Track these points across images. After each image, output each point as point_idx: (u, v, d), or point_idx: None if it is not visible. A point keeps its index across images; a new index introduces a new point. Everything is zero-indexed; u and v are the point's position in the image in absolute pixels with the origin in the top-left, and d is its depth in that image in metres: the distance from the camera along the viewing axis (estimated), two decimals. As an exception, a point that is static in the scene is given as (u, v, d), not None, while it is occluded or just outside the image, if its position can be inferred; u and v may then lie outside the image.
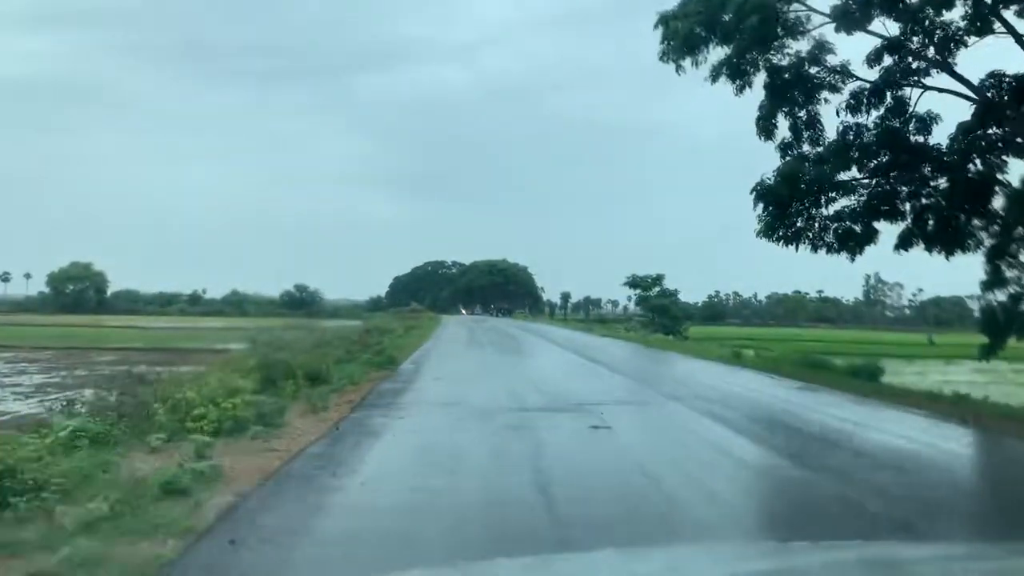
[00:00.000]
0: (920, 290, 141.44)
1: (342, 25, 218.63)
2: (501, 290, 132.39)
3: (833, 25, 15.66)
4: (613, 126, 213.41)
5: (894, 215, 16.33)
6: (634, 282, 54.82)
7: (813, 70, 16.40)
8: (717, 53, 16.16)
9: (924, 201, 16.32)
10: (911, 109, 16.15)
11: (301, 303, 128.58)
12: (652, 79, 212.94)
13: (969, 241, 15.81)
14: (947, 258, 15.95)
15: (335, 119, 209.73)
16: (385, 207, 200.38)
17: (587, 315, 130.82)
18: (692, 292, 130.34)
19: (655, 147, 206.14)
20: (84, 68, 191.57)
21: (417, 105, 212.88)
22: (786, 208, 16.31)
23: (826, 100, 16.58)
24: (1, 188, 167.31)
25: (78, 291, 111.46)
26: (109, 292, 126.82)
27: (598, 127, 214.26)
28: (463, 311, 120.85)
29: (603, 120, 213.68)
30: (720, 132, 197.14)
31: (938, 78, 15.90)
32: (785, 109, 16.72)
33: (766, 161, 16.74)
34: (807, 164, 16.59)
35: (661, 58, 16.47)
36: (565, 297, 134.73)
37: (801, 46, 16.23)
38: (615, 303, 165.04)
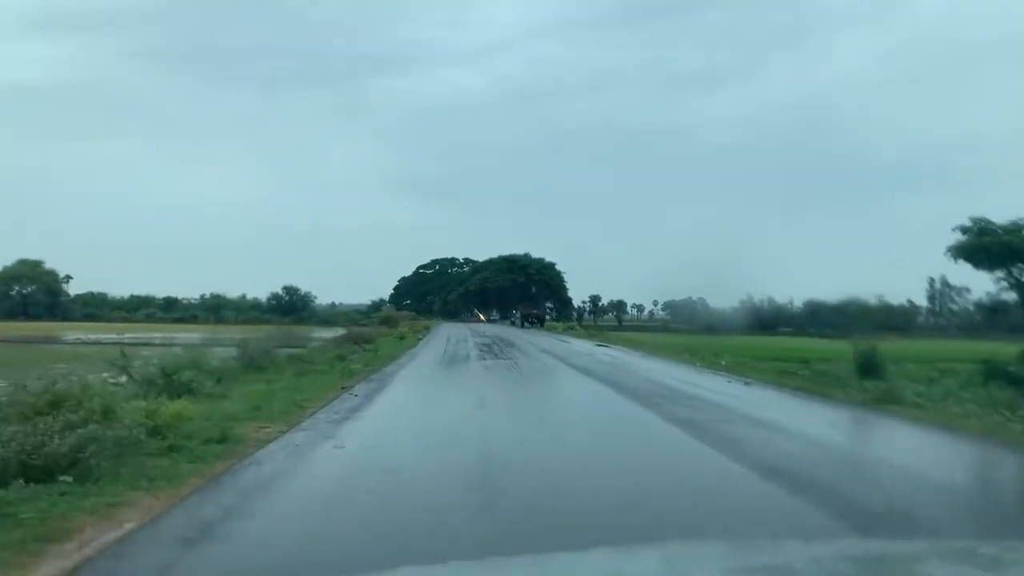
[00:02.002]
0: (988, 294, 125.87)
1: (354, 28, 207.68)
2: (522, 291, 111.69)
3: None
4: (630, 130, 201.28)
5: None
6: (979, 244, 19.73)
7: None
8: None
9: None
10: None
11: (290, 307, 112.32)
12: (668, 82, 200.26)
13: None
14: None
15: (346, 123, 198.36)
16: (397, 212, 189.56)
17: (620, 322, 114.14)
18: (717, 296, 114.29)
19: (672, 151, 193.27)
20: (92, 73, 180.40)
21: (431, 109, 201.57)
22: None
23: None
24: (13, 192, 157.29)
25: (25, 293, 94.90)
26: (72, 295, 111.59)
27: (615, 131, 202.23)
28: (480, 317, 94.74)
29: (620, 124, 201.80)
30: (740, 135, 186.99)
31: None
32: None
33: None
34: None
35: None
36: (594, 300, 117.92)
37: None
38: (640, 308, 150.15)
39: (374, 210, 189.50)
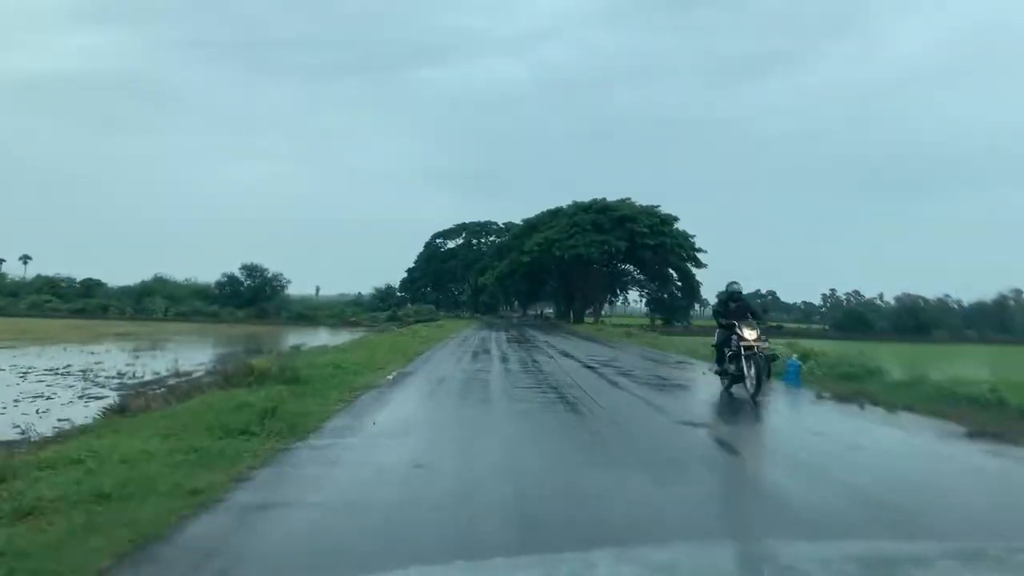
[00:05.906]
0: None
1: (394, 18, 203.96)
2: (614, 263, 68.77)
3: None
4: (674, 120, 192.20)
5: None
6: None
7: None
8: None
9: None
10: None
11: (252, 295, 77.23)
12: (714, 70, 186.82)
13: None
14: None
15: (387, 114, 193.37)
16: (429, 202, 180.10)
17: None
18: (789, 290, 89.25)
19: (720, 142, 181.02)
20: (133, 65, 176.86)
21: (472, 99, 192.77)
22: None
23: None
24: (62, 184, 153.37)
25: None
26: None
27: (658, 121, 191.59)
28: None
29: (663, 115, 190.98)
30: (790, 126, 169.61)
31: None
32: None
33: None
34: None
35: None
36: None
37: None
38: (704, 303, 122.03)
39: (406, 200, 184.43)
